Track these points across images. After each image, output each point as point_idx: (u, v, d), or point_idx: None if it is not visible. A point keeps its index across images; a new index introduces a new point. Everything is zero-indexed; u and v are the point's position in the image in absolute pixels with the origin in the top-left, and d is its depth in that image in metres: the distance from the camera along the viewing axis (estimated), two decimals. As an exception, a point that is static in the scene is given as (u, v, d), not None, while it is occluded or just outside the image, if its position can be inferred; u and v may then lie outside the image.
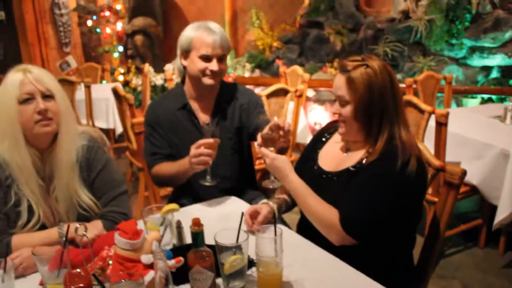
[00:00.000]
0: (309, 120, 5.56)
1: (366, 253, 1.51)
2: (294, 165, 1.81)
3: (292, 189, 1.61)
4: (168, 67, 6.80)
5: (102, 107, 4.86)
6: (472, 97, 5.20)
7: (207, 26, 1.99)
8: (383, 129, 1.54)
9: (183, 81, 2.15)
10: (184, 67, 2.07)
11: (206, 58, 1.97)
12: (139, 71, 7.04)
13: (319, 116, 5.72)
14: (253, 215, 1.66)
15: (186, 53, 2.03)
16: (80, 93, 4.64)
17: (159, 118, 2.09)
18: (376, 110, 1.52)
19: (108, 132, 5.05)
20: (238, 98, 2.15)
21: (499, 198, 2.65)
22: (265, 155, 1.63)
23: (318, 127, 5.76)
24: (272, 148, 1.65)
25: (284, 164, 1.61)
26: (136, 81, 6.88)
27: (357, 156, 1.60)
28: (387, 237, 1.53)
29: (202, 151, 1.78)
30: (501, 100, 5.04)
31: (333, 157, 1.71)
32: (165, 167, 2.04)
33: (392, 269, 1.59)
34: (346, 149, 1.70)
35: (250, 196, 2.18)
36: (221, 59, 2.00)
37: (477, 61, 5.28)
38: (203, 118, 2.09)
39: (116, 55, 7.57)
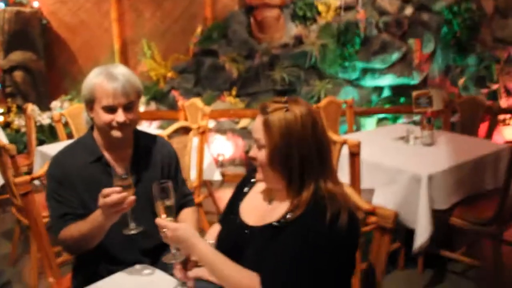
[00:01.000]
0: (211, 152, 5.38)
1: None
2: (219, 217, 1.71)
3: (202, 259, 1.43)
4: (55, 104, 6.25)
5: (-21, 156, 4.23)
6: (369, 117, 5.41)
7: (108, 71, 1.74)
8: (307, 182, 1.39)
9: (92, 128, 1.89)
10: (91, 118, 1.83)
11: (110, 109, 1.73)
12: (22, 110, 6.38)
13: (221, 146, 5.57)
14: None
15: (90, 104, 1.78)
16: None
17: (68, 173, 1.78)
18: (294, 161, 1.38)
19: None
20: (157, 148, 1.95)
21: (415, 222, 2.66)
22: (164, 227, 1.44)
23: (221, 158, 5.60)
24: (171, 218, 1.48)
25: (188, 233, 1.43)
26: (19, 121, 6.20)
27: (281, 208, 1.44)
28: None
29: (111, 199, 1.52)
30: (395, 118, 5.30)
31: (256, 209, 1.55)
32: (74, 228, 1.72)
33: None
34: (270, 199, 1.54)
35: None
36: (128, 108, 1.75)
37: (370, 82, 5.52)
38: (121, 171, 1.80)
39: (-8, 93, 6.80)
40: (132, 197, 1.56)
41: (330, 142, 1.49)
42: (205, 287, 1.56)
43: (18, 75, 6.73)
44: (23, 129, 6.14)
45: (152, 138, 2.00)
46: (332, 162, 1.47)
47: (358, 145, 2.55)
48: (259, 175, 1.47)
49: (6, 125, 6.33)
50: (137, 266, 1.69)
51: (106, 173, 1.80)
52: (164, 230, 1.44)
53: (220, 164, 5.38)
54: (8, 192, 3.41)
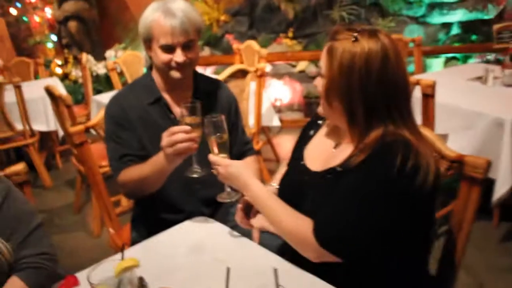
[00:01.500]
0: (269, 97, 5.21)
1: (358, 271, 1.22)
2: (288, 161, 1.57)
3: (255, 200, 1.35)
4: (109, 53, 6.23)
5: (40, 107, 4.26)
6: (436, 57, 4.99)
7: (166, 7, 1.60)
8: (374, 124, 1.21)
9: (151, 68, 1.80)
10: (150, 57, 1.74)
11: (168, 49, 1.61)
12: (78, 61, 6.43)
13: (278, 92, 5.38)
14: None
15: (147, 43, 1.68)
16: (10, 94, 4.05)
17: (128, 114, 1.71)
18: (354, 99, 1.20)
19: (49, 134, 4.51)
20: (217, 93, 1.84)
21: (495, 171, 2.41)
22: (217, 163, 1.37)
23: (279, 104, 5.43)
24: (224, 155, 1.39)
25: (240, 170, 1.36)
26: (76, 72, 6.27)
27: (345, 152, 1.28)
28: (386, 253, 1.20)
29: (177, 137, 1.39)
30: (466, 58, 4.86)
31: (321, 153, 1.40)
32: (134, 171, 1.64)
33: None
34: (335, 143, 1.38)
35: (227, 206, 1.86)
36: (188, 47, 1.63)
37: (437, 19, 5.07)
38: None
39: (50, 45, 6.89)
40: (197, 138, 1.43)
41: (408, 84, 1.27)
42: (270, 240, 1.45)
43: (72, 25, 6.75)
44: (80, 80, 6.21)
45: (212, 81, 1.90)
46: (409, 107, 1.26)
47: (433, 86, 2.30)
48: (319, 107, 1.34)
49: (65, 77, 6.42)
50: (196, 218, 1.59)
51: (165, 115, 1.73)
52: (216, 166, 1.36)
53: (278, 110, 5.21)
54: (68, 142, 3.44)
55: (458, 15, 4.95)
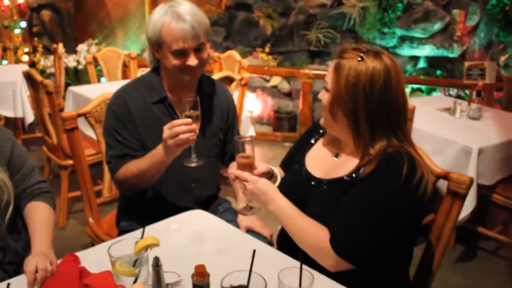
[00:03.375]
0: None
1: (360, 273, 1.29)
2: (281, 162, 1.69)
3: (279, 212, 1.37)
4: (82, 47, 6.14)
5: (8, 92, 4.14)
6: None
7: (175, 12, 1.59)
8: (378, 137, 1.32)
9: (156, 69, 1.80)
10: (158, 59, 1.73)
11: (181, 53, 1.62)
12: (48, 51, 6.28)
13: (250, 104, 5.47)
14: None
15: (156, 46, 1.66)
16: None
17: (131, 112, 1.70)
18: (359, 114, 1.30)
19: (15, 121, 4.38)
20: (218, 94, 1.87)
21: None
22: (245, 179, 1.39)
23: (249, 115, 5.51)
24: (248, 172, 1.43)
25: (268, 186, 1.40)
26: (44, 62, 6.11)
27: (351, 163, 1.37)
28: (386, 258, 1.31)
29: (180, 129, 1.45)
30: (430, 91, 5.14)
31: (322, 162, 1.49)
32: (134, 164, 1.65)
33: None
34: (336, 152, 1.47)
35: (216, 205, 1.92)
36: (199, 50, 1.64)
37: (407, 51, 5.34)
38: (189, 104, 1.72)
39: (17, 31, 6.68)
40: (196, 130, 1.50)
41: (407, 103, 1.39)
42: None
43: (45, 14, 6.61)
44: (48, 71, 6.06)
45: (214, 82, 1.91)
46: (407, 124, 1.38)
47: (412, 110, 2.46)
48: (322, 119, 1.44)
49: (31, 65, 6.25)
50: (192, 211, 1.63)
51: (168, 115, 1.73)
52: (244, 182, 1.39)
53: (248, 122, 5.30)
54: (41, 130, 3.37)
55: (426, 50, 5.25)
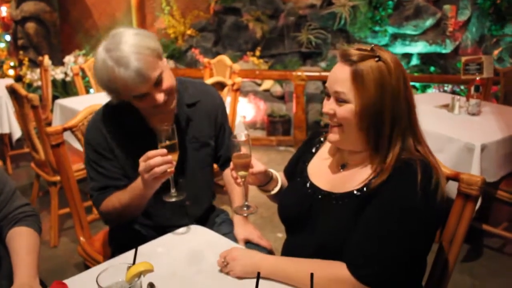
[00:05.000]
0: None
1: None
2: (284, 169, 1.59)
3: (272, 271, 1.24)
4: (68, 59, 6.03)
5: (-8, 107, 4.04)
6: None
7: (114, 57, 1.39)
8: (394, 141, 1.21)
9: None
10: None
11: (143, 96, 1.45)
12: (34, 64, 6.16)
13: (243, 109, 5.38)
14: None
15: (115, 94, 1.50)
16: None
17: (109, 143, 1.58)
18: (385, 120, 1.19)
19: (2, 137, 4.26)
20: (202, 100, 1.72)
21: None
22: (221, 255, 1.29)
23: (242, 120, 5.42)
24: (244, 172, 1.36)
25: (243, 250, 1.34)
26: (31, 75, 6.00)
27: (359, 175, 1.27)
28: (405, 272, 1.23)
29: (154, 161, 1.33)
30: (424, 88, 5.08)
31: (327, 173, 1.38)
32: (116, 197, 1.54)
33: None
34: (341, 163, 1.36)
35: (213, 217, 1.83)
36: (159, 82, 1.45)
37: (399, 49, 5.28)
38: (166, 132, 1.51)
39: (2, 45, 6.56)
40: (174, 161, 1.38)
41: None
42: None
43: (30, 26, 6.49)
44: (35, 83, 5.94)
45: (196, 87, 1.75)
46: (417, 117, 1.30)
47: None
48: (333, 135, 1.28)
49: (18, 79, 6.13)
50: (188, 227, 1.54)
51: (149, 138, 1.54)
52: (222, 260, 1.29)
53: (241, 127, 5.22)
54: (29, 146, 3.25)
55: (418, 47, 5.19)
